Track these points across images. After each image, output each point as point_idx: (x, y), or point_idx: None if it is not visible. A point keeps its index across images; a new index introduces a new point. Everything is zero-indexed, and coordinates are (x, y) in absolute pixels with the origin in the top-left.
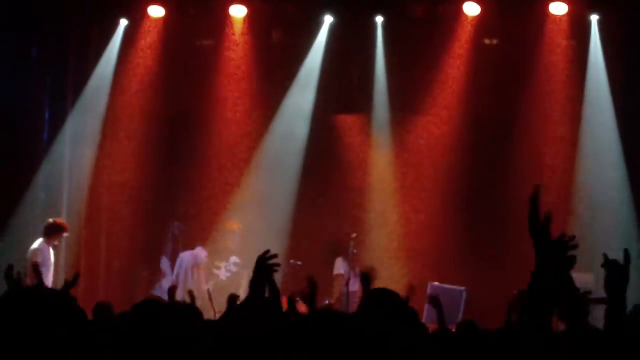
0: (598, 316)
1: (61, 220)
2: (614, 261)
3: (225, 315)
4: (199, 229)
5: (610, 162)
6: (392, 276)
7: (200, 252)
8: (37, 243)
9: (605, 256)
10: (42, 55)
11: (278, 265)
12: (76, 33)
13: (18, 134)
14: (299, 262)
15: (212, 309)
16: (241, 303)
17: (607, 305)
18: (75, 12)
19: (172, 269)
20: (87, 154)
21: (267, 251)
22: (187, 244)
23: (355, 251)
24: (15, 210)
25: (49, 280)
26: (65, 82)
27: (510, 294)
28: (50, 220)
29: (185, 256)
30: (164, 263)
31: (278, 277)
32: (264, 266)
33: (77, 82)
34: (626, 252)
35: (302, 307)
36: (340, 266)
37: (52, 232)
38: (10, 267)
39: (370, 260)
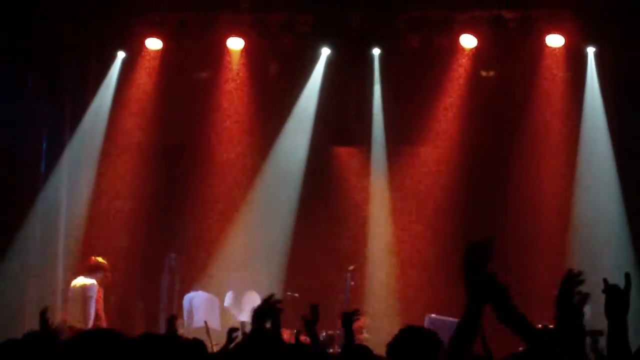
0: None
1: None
2: (615, 286)
3: (230, 350)
4: (195, 262)
5: (607, 193)
6: (389, 308)
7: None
8: (89, 280)
9: (605, 281)
10: (39, 86)
11: (281, 310)
12: (74, 64)
13: (15, 165)
14: (296, 294)
15: (210, 342)
16: (244, 339)
17: (605, 335)
18: (73, 43)
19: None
20: (84, 185)
21: (272, 295)
22: (183, 277)
23: (352, 283)
24: (11, 241)
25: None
26: (63, 113)
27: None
28: (96, 258)
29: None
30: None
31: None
32: (268, 310)
33: (75, 114)
34: (627, 277)
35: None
36: None
37: (96, 270)
38: (45, 310)
39: (368, 293)
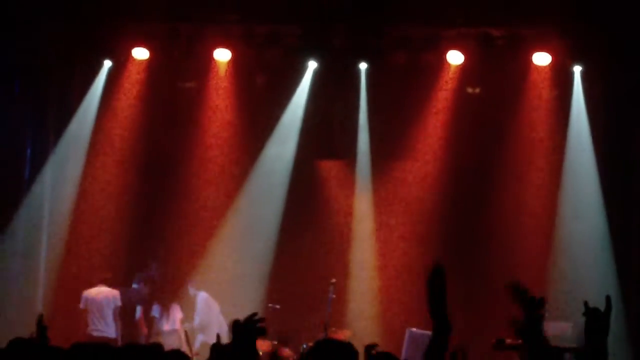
0: None
1: None
2: (595, 309)
3: None
4: (178, 273)
5: (590, 211)
6: (371, 321)
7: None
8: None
9: (586, 304)
10: (24, 94)
11: (264, 329)
12: (60, 72)
13: None
14: (277, 306)
15: (190, 350)
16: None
17: (584, 353)
18: (59, 51)
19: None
20: (67, 193)
21: (255, 314)
22: (164, 288)
23: (334, 296)
24: None
25: None
26: (48, 120)
27: (490, 340)
28: None
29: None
30: (155, 310)
31: None
32: (250, 329)
33: (60, 121)
34: (608, 300)
35: (285, 352)
36: None
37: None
38: (41, 316)
39: (350, 305)
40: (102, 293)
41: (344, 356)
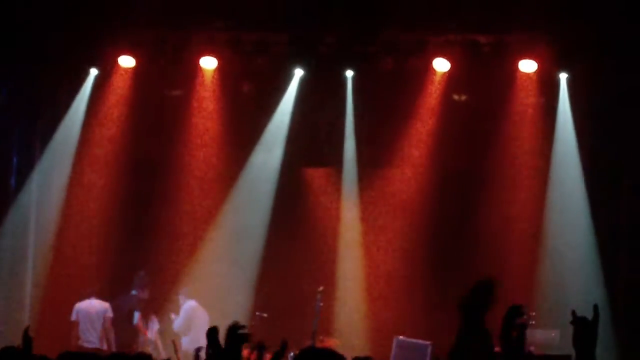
0: None
1: None
2: (583, 318)
3: None
4: (164, 280)
5: (577, 217)
6: (358, 329)
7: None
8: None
9: (574, 313)
10: (11, 102)
11: (248, 335)
12: (46, 80)
13: None
14: (265, 314)
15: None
16: None
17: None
18: (46, 59)
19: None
20: (54, 202)
21: (237, 322)
22: (153, 294)
23: (322, 304)
24: None
25: None
26: (34, 128)
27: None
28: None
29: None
30: (137, 318)
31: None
32: (234, 336)
33: (46, 129)
34: (595, 309)
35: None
36: None
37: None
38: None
39: (337, 313)
40: (93, 305)
41: None
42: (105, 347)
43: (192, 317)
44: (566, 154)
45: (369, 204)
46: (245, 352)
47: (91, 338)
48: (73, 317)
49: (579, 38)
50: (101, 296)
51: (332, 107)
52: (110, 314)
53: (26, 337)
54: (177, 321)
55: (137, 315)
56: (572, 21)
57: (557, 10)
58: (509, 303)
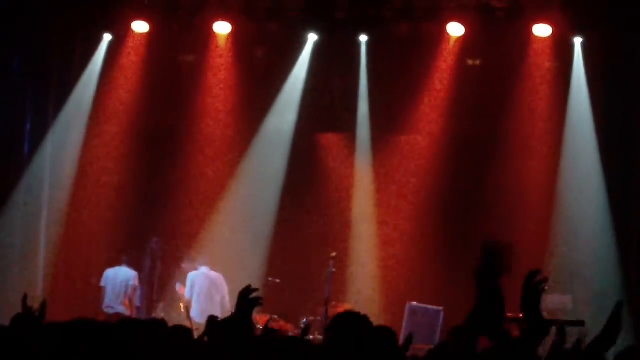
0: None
1: None
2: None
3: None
4: (178, 246)
5: (591, 183)
6: (371, 295)
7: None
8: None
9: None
10: (24, 68)
11: (260, 298)
12: (59, 46)
13: None
14: (277, 280)
15: (191, 326)
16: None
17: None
18: (59, 25)
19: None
20: (67, 168)
21: (249, 286)
22: (165, 261)
23: (334, 270)
24: None
25: None
26: (48, 94)
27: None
28: None
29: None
30: (178, 287)
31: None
32: (246, 300)
33: (60, 95)
34: (618, 305)
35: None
36: None
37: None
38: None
39: (350, 280)
40: (119, 273)
41: (364, 329)
42: (128, 314)
43: (192, 285)
44: (580, 119)
45: (383, 169)
46: (257, 317)
47: (112, 304)
48: (102, 283)
49: (593, 2)
50: (111, 260)
51: (345, 73)
52: (135, 282)
53: (24, 305)
54: (186, 290)
55: (178, 285)
56: None
57: None
58: (523, 269)
